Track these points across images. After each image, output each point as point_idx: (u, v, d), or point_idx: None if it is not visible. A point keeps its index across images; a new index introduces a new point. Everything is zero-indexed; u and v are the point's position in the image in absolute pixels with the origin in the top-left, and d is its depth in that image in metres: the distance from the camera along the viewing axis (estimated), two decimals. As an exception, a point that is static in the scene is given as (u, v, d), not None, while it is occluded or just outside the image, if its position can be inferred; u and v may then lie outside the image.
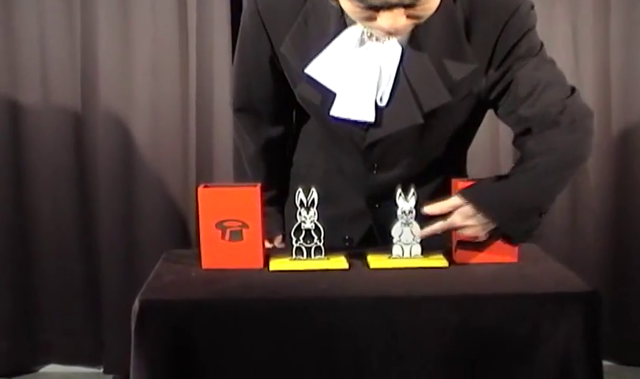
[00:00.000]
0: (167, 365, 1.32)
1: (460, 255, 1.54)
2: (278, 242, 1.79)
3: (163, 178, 2.92)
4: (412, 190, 1.50)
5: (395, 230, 1.52)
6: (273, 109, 1.75)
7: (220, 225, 1.50)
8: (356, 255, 1.57)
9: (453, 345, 1.33)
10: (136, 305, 1.34)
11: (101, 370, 3.03)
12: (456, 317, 1.33)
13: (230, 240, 1.51)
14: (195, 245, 2.51)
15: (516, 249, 1.54)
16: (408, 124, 1.55)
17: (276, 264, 1.52)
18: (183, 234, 2.94)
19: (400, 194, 1.50)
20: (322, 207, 1.51)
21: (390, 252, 1.53)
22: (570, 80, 1.60)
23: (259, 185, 1.53)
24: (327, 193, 1.59)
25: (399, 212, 1.51)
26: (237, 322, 1.34)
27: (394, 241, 1.52)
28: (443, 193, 1.55)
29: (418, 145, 1.62)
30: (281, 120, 1.77)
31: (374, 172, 1.65)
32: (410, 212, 1.51)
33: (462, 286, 1.42)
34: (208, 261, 1.52)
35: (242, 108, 1.77)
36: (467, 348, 1.33)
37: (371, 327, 1.33)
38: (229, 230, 1.51)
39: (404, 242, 1.52)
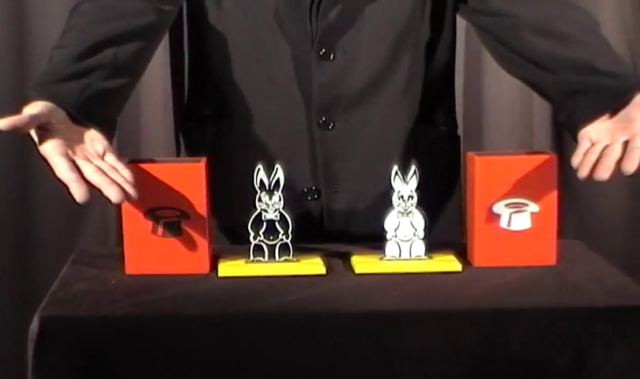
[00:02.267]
0: (78, 407, 1.33)
1: (478, 255, 1.55)
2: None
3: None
4: (413, 168, 1.50)
5: (389, 223, 1.53)
6: None
7: (150, 215, 1.51)
8: (337, 256, 1.58)
9: (469, 377, 1.34)
10: (34, 324, 1.34)
11: (-15, 414, 3.03)
12: (472, 340, 1.34)
13: (164, 236, 1.52)
14: (116, 242, 2.50)
15: (554, 247, 1.55)
16: None
17: (228, 269, 1.52)
18: (100, 226, 2.93)
19: (396, 173, 1.50)
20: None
21: (382, 251, 1.53)
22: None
23: (204, 160, 1.52)
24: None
25: (395, 198, 1.51)
26: (173, 347, 1.34)
27: (388, 236, 1.53)
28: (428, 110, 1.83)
29: (382, 17, 1.75)
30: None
31: (331, 57, 1.73)
32: (410, 197, 1.51)
33: (481, 297, 1.43)
34: (133, 265, 1.53)
35: None
36: (487, 382, 1.34)
37: (357, 352, 1.33)
38: (163, 221, 1.51)
39: (402, 238, 1.53)
